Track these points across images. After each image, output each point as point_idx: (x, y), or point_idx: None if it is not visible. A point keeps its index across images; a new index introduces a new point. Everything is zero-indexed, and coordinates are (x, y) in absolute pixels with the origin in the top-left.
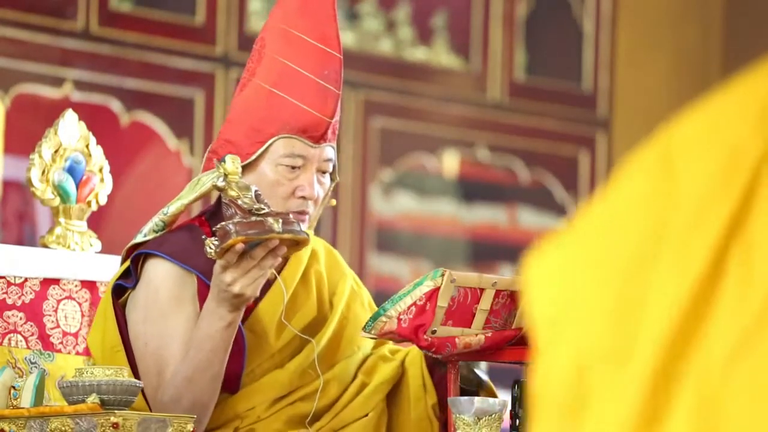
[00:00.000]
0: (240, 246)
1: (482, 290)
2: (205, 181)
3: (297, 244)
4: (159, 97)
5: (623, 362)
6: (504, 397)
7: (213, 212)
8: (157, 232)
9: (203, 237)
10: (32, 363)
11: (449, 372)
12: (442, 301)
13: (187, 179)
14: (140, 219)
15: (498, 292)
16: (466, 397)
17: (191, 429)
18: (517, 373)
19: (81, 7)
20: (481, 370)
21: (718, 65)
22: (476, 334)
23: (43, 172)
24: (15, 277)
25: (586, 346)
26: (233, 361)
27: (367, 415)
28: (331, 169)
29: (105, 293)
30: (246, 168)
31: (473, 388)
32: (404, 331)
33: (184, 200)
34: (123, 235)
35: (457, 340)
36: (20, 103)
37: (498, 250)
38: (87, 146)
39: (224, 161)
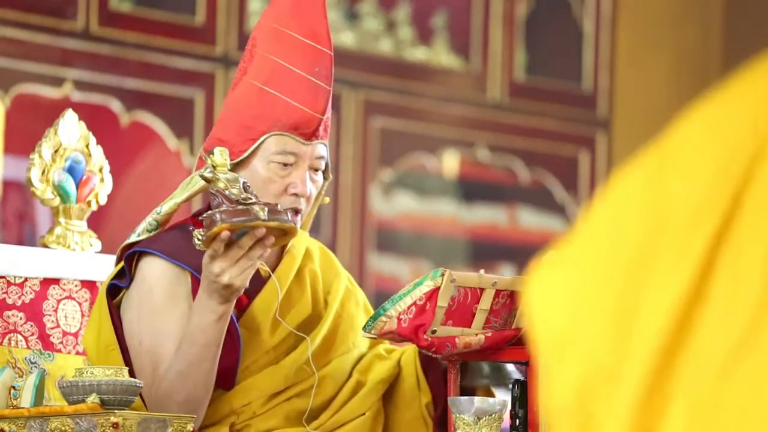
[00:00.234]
0: (226, 234)
1: (482, 290)
2: (198, 179)
3: (285, 233)
4: (159, 97)
5: (617, 379)
6: (504, 397)
7: (206, 212)
8: (150, 232)
9: (191, 228)
10: (32, 363)
11: (449, 372)
12: (442, 301)
13: None
14: (140, 219)
15: (498, 292)
16: (466, 397)
17: (191, 429)
18: (517, 373)
19: (81, 7)
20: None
21: (718, 65)
22: (476, 334)
23: (43, 172)
24: (15, 277)
25: (588, 365)
26: (228, 356)
27: (364, 414)
28: (323, 167)
29: (99, 293)
30: (238, 165)
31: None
32: (404, 331)
33: (177, 199)
34: (123, 235)
35: (457, 339)
36: (20, 103)
37: (498, 250)
38: (87, 146)
39: (213, 153)
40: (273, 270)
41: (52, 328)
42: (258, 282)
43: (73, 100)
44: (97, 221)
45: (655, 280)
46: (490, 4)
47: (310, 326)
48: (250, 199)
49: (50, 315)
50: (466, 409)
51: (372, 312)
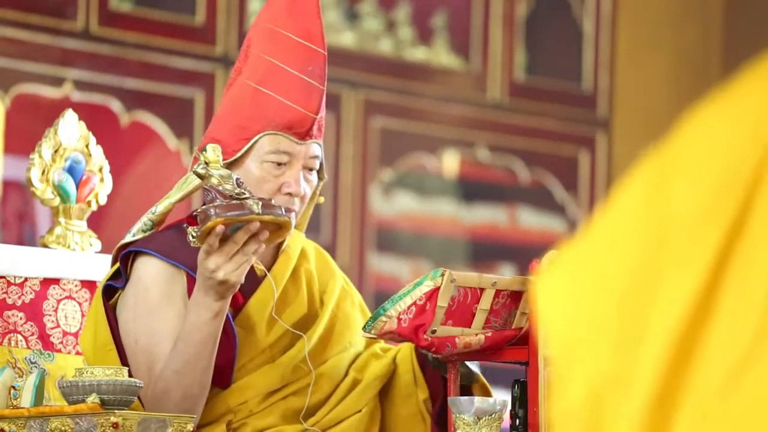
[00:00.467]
0: (220, 228)
1: (482, 290)
2: (192, 179)
3: (279, 228)
4: (159, 97)
5: (627, 387)
6: (504, 397)
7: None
8: (145, 232)
9: (185, 225)
10: (32, 363)
11: (449, 372)
12: (442, 301)
13: None
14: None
15: (498, 292)
16: (466, 397)
17: (191, 429)
18: (517, 373)
19: (81, 7)
20: (474, 363)
21: (718, 65)
22: (476, 334)
23: (43, 172)
24: (15, 277)
25: (596, 374)
26: (224, 355)
27: (360, 411)
28: (317, 167)
29: (95, 294)
30: (231, 165)
31: (465, 382)
32: (404, 331)
33: (171, 199)
34: (123, 235)
35: (457, 339)
36: (20, 103)
37: (498, 250)
38: (87, 146)
39: (205, 150)
40: (269, 269)
41: (52, 328)
42: (254, 281)
43: (73, 100)
44: (97, 221)
45: (663, 288)
46: (490, 4)
47: (306, 325)
48: (244, 194)
49: (50, 315)
50: (466, 409)
51: (367, 312)
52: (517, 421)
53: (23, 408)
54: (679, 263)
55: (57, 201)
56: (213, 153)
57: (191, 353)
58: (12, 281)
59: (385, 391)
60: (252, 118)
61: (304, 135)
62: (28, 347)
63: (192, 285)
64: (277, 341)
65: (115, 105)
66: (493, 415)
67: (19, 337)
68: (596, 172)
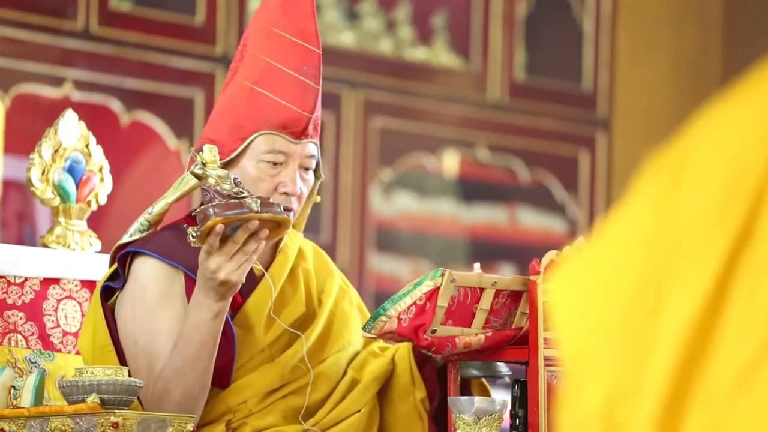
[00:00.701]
0: (220, 227)
1: (482, 290)
2: (189, 179)
3: (278, 226)
4: (159, 97)
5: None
6: (504, 397)
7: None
8: (142, 232)
9: (185, 226)
10: (32, 363)
11: (449, 371)
12: (442, 301)
13: None
14: None
15: (498, 292)
16: (466, 397)
17: (191, 429)
18: (517, 373)
19: (81, 6)
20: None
21: (718, 65)
22: (476, 334)
23: (43, 171)
24: (15, 277)
25: (610, 382)
26: (223, 355)
27: (359, 411)
28: (314, 166)
29: (93, 295)
30: (228, 165)
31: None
32: (404, 331)
33: (168, 199)
34: (123, 235)
35: (457, 339)
36: (20, 103)
37: (498, 250)
38: (87, 146)
39: (202, 151)
40: (266, 269)
41: (52, 328)
42: (252, 281)
43: (73, 100)
44: (97, 221)
45: (673, 291)
46: (490, 4)
47: (305, 325)
48: (242, 193)
49: (50, 315)
50: (466, 409)
51: (365, 311)
52: (517, 421)
53: (23, 408)
54: (689, 267)
55: (57, 201)
56: (210, 153)
57: (191, 353)
58: (12, 281)
59: (383, 391)
60: (247, 118)
61: (300, 134)
62: (28, 347)
63: (190, 285)
64: (275, 341)
65: (115, 105)
66: (493, 415)
67: (19, 336)
68: (596, 172)
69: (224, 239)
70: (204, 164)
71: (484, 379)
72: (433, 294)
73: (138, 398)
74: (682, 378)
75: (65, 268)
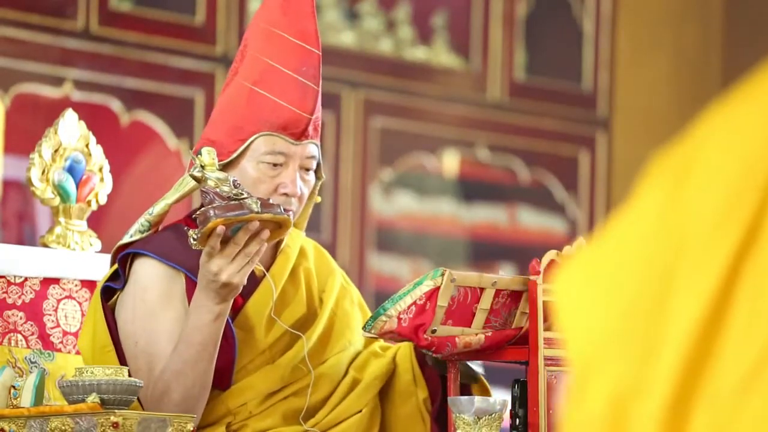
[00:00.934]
0: (221, 228)
1: (482, 290)
2: (189, 180)
3: (279, 226)
4: (159, 97)
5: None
6: (504, 396)
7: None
8: (143, 233)
9: (185, 228)
10: (32, 362)
11: (449, 371)
12: (442, 301)
13: None
14: None
15: (498, 292)
16: (466, 397)
17: (191, 428)
18: (517, 373)
19: (81, 6)
20: (477, 363)
21: (718, 65)
22: (476, 334)
23: (43, 171)
24: (15, 277)
25: (616, 382)
26: (224, 357)
27: (360, 411)
28: (314, 167)
29: (94, 295)
30: (228, 166)
31: (466, 381)
32: (404, 331)
33: (168, 200)
34: (123, 235)
35: (457, 339)
36: (20, 102)
37: (498, 250)
38: (87, 146)
39: (200, 153)
40: (267, 269)
41: (52, 328)
42: (252, 281)
43: (73, 100)
44: (97, 221)
45: (679, 292)
46: (490, 4)
47: (306, 325)
48: (242, 194)
49: (50, 315)
50: (466, 409)
51: (367, 309)
52: (517, 420)
53: (23, 408)
54: (694, 269)
55: (57, 201)
56: (208, 156)
57: (192, 355)
58: (12, 281)
59: (385, 391)
60: (247, 119)
61: (300, 135)
62: (28, 347)
63: (190, 286)
64: (276, 342)
65: (115, 105)
66: (493, 415)
67: (19, 336)
68: (596, 172)
69: (225, 241)
70: (203, 167)
71: (484, 379)
72: (433, 294)
73: (138, 398)
74: (688, 379)
75: (65, 268)
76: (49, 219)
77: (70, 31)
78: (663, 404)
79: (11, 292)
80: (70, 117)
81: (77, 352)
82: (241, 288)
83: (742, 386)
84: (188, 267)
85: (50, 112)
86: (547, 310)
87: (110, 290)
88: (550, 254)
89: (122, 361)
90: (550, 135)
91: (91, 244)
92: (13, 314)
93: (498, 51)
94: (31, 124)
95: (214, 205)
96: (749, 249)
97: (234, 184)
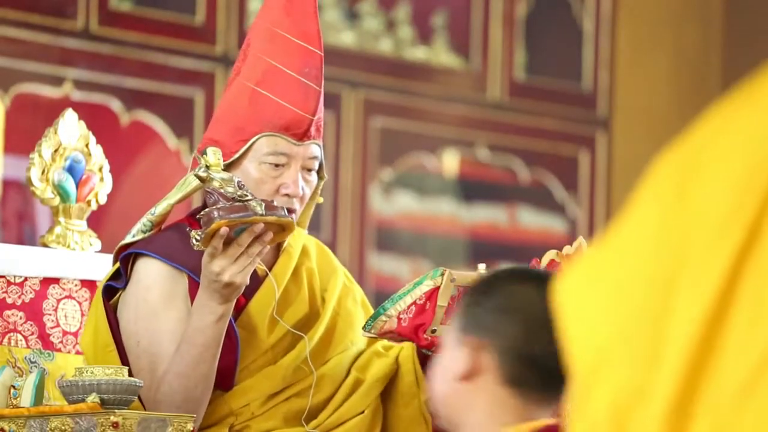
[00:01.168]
0: (224, 230)
1: None
2: (192, 180)
3: (283, 229)
4: (159, 97)
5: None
6: None
7: (201, 211)
8: (145, 233)
9: (188, 229)
10: (32, 362)
11: None
12: (442, 301)
13: None
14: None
15: None
16: None
17: (191, 428)
18: None
19: (81, 6)
20: None
21: (718, 65)
22: None
23: (43, 171)
24: (15, 277)
25: (619, 387)
26: (226, 357)
27: (363, 413)
28: (316, 167)
29: (96, 294)
30: (230, 166)
31: None
32: (404, 331)
33: (170, 200)
34: (123, 234)
35: None
36: (20, 102)
37: (498, 250)
38: (87, 145)
39: (205, 153)
40: (270, 269)
41: (52, 328)
42: (255, 281)
43: (73, 100)
44: (97, 221)
45: (681, 299)
46: (490, 3)
47: (308, 325)
48: (246, 196)
49: (50, 314)
50: None
51: (370, 308)
52: None
53: (23, 407)
54: (696, 272)
55: (57, 200)
56: (213, 156)
57: (194, 356)
58: (12, 281)
59: (387, 392)
60: (249, 120)
61: (302, 136)
62: (28, 347)
63: (192, 286)
64: (278, 342)
65: (115, 104)
66: None
67: (19, 336)
68: (596, 172)
69: (228, 242)
70: (208, 167)
71: None
72: (433, 293)
73: (139, 399)
74: (689, 383)
75: (65, 267)
76: (49, 219)
77: (70, 31)
78: (665, 408)
79: (11, 292)
80: (70, 117)
81: (77, 352)
82: (244, 288)
83: (744, 390)
84: (190, 267)
85: (50, 112)
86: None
87: (112, 289)
88: (550, 254)
89: (124, 360)
90: (550, 135)
91: (91, 244)
92: (12, 314)
93: (498, 51)
94: (31, 124)
95: (218, 206)
96: (750, 253)
97: (239, 185)
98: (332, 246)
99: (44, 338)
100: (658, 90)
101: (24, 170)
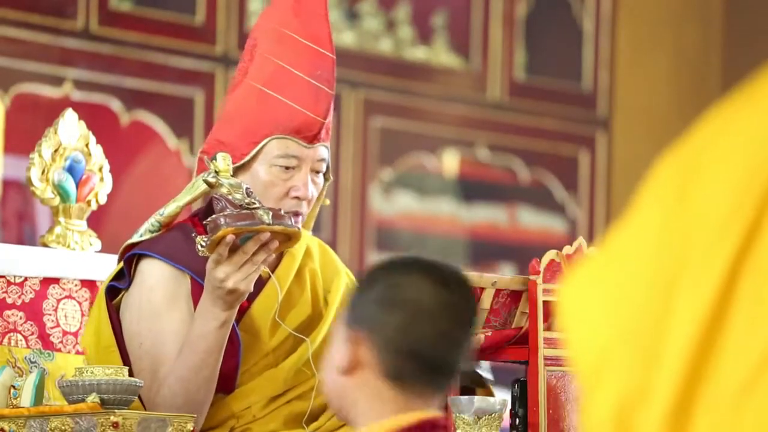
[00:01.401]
0: (230, 237)
1: (482, 289)
2: (200, 183)
3: (289, 238)
4: (159, 97)
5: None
6: (504, 396)
7: (205, 212)
8: (153, 233)
9: (193, 235)
10: (32, 362)
11: None
12: None
13: (187, 179)
14: (140, 219)
15: (498, 291)
16: (465, 396)
17: (191, 428)
18: (517, 373)
19: (81, 6)
20: (485, 369)
21: (718, 65)
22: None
23: (43, 171)
24: (15, 277)
25: (622, 388)
26: (228, 360)
27: None
28: (324, 169)
29: (98, 294)
30: (239, 169)
31: (471, 385)
32: None
33: (179, 202)
34: (123, 234)
35: None
36: (20, 102)
37: (498, 250)
38: (87, 145)
39: (215, 159)
40: (272, 271)
41: (52, 328)
42: (258, 283)
43: (72, 100)
44: (96, 221)
45: (681, 300)
46: (490, 3)
47: (311, 326)
48: (254, 204)
49: (50, 314)
50: (465, 409)
51: None
52: (517, 420)
53: (23, 407)
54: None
55: (57, 200)
56: (223, 162)
57: (196, 361)
58: (12, 281)
59: None
60: (260, 122)
61: (312, 139)
62: (28, 347)
63: (195, 288)
64: (280, 345)
65: (115, 104)
66: (492, 415)
67: (19, 336)
68: (596, 172)
69: (233, 249)
70: (217, 172)
71: (491, 386)
72: None
73: (140, 399)
74: (690, 384)
75: (65, 267)
76: (49, 219)
77: (70, 31)
78: (666, 409)
79: (11, 291)
80: (70, 117)
81: (77, 352)
82: (247, 294)
83: (744, 390)
84: (193, 268)
85: (50, 112)
86: (547, 309)
87: (114, 290)
88: (550, 254)
89: (126, 361)
90: (550, 135)
91: (90, 244)
92: (12, 314)
93: (498, 51)
94: (31, 124)
95: (225, 213)
96: (749, 253)
97: (247, 192)
98: (332, 246)
99: (44, 338)
100: (658, 90)
101: (24, 170)
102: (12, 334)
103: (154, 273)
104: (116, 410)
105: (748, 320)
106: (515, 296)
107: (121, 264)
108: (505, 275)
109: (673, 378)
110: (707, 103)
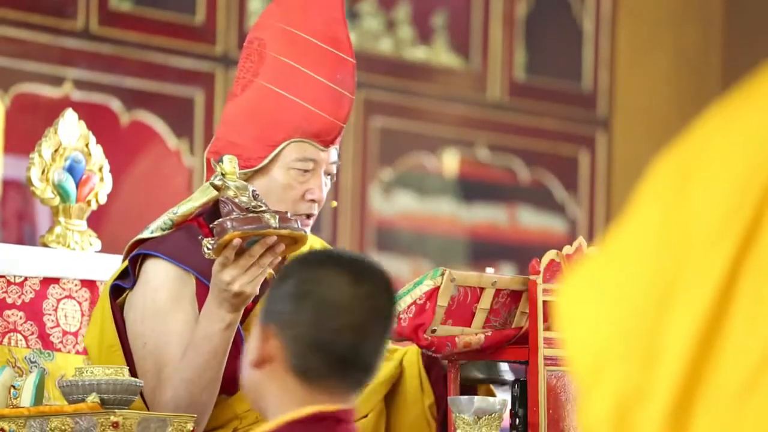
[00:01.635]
0: (237, 241)
1: (482, 289)
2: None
3: (295, 241)
4: (159, 97)
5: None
6: (504, 396)
7: (211, 213)
8: (164, 231)
9: (200, 237)
10: (32, 362)
11: (449, 371)
12: (442, 301)
13: (187, 179)
14: (140, 218)
15: (498, 291)
16: (466, 396)
17: (191, 428)
18: (518, 373)
19: (81, 6)
20: (505, 369)
21: (718, 65)
22: (476, 333)
23: (43, 171)
24: (15, 277)
25: (620, 388)
26: (232, 362)
27: (366, 416)
28: (335, 171)
29: (102, 293)
30: (257, 172)
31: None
32: (404, 331)
33: (194, 203)
34: (123, 234)
35: (457, 339)
36: (20, 102)
37: (498, 250)
38: (87, 145)
39: (222, 161)
40: (276, 272)
41: (51, 328)
42: (263, 286)
43: (73, 100)
44: (96, 221)
45: (680, 300)
46: (490, 3)
47: None
48: (261, 207)
49: (50, 314)
50: (465, 409)
51: None
52: (517, 420)
53: (23, 407)
54: (696, 274)
55: (57, 200)
56: (230, 164)
57: (200, 363)
58: (12, 281)
59: (391, 396)
60: (277, 125)
61: (330, 142)
62: (28, 346)
63: (200, 288)
64: None
65: (115, 104)
66: (493, 415)
67: (19, 336)
68: (596, 172)
69: (240, 252)
70: (224, 175)
71: (492, 387)
72: (433, 293)
73: (144, 400)
74: (689, 383)
75: (65, 267)
76: (49, 219)
77: (70, 30)
78: (665, 408)
79: (11, 291)
80: (70, 117)
81: (77, 352)
82: (253, 297)
83: (743, 390)
84: (199, 269)
85: (50, 112)
86: (546, 309)
87: (118, 289)
88: (550, 254)
89: (129, 361)
90: (550, 135)
91: (90, 244)
92: (12, 314)
93: (498, 51)
94: (31, 124)
95: (232, 216)
96: (749, 252)
97: (253, 195)
98: (332, 246)
99: (44, 338)
100: (658, 90)
101: (24, 170)
102: (12, 334)
103: (159, 273)
104: (116, 410)
105: (748, 320)
106: (515, 296)
107: (126, 263)
108: (505, 275)
109: (673, 377)
110: (707, 103)
